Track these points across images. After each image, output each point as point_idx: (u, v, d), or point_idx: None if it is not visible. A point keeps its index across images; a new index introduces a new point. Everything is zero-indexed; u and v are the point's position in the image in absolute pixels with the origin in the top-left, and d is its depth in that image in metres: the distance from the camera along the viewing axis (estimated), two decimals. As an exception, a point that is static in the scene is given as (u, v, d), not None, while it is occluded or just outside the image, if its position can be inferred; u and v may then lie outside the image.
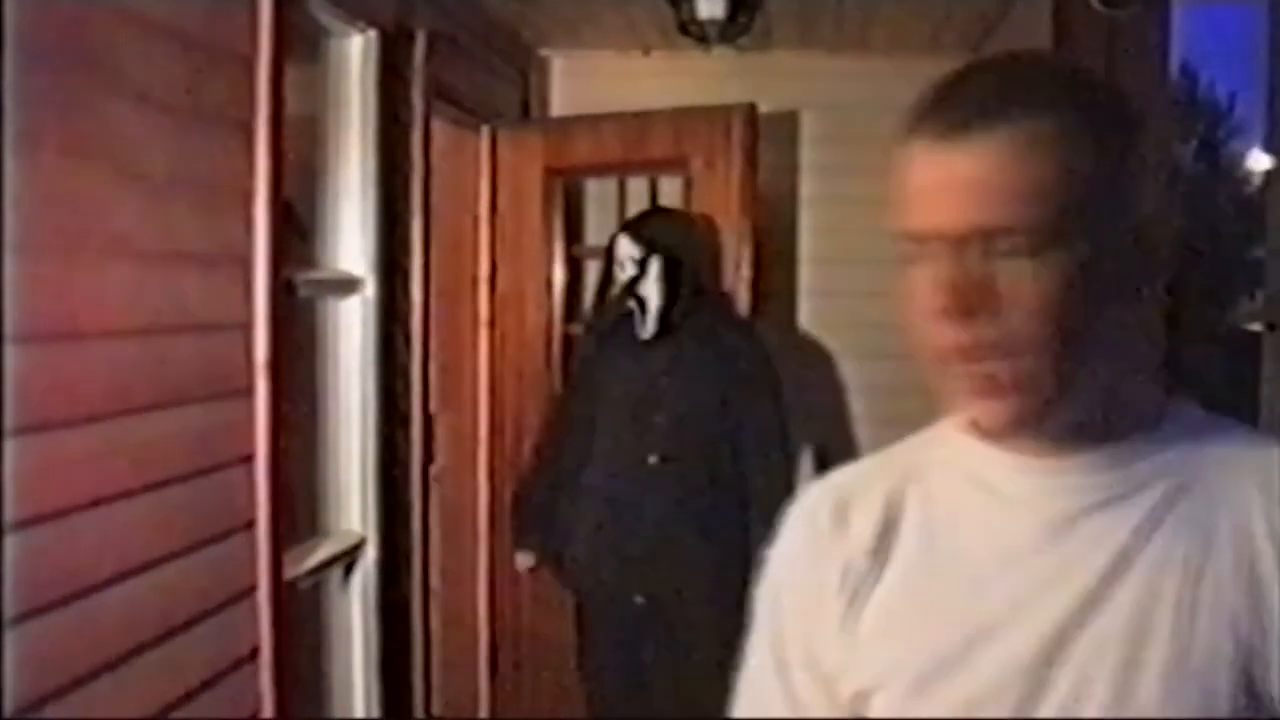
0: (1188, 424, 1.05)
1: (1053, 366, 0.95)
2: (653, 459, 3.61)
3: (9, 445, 1.67)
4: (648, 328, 3.72)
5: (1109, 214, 0.97)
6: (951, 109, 0.96)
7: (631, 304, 3.74)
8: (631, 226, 3.84)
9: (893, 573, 1.08)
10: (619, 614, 3.65)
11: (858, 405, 4.97)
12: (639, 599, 3.61)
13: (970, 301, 0.94)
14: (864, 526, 1.10)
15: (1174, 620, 0.98)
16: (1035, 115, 0.95)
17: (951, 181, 0.95)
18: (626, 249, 3.72)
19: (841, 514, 1.12)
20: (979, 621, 1.02)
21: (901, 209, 0.98)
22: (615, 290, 3.78)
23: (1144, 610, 0.98)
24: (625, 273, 3.71)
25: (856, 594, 1.09)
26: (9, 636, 1.67)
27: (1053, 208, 0.94)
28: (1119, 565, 0.99)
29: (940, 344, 0.97)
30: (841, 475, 1.18)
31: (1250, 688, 0.96)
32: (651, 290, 3.70)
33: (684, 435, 3.62)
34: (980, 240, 0.94)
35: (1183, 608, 0.98)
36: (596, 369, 3.84)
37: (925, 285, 0.96)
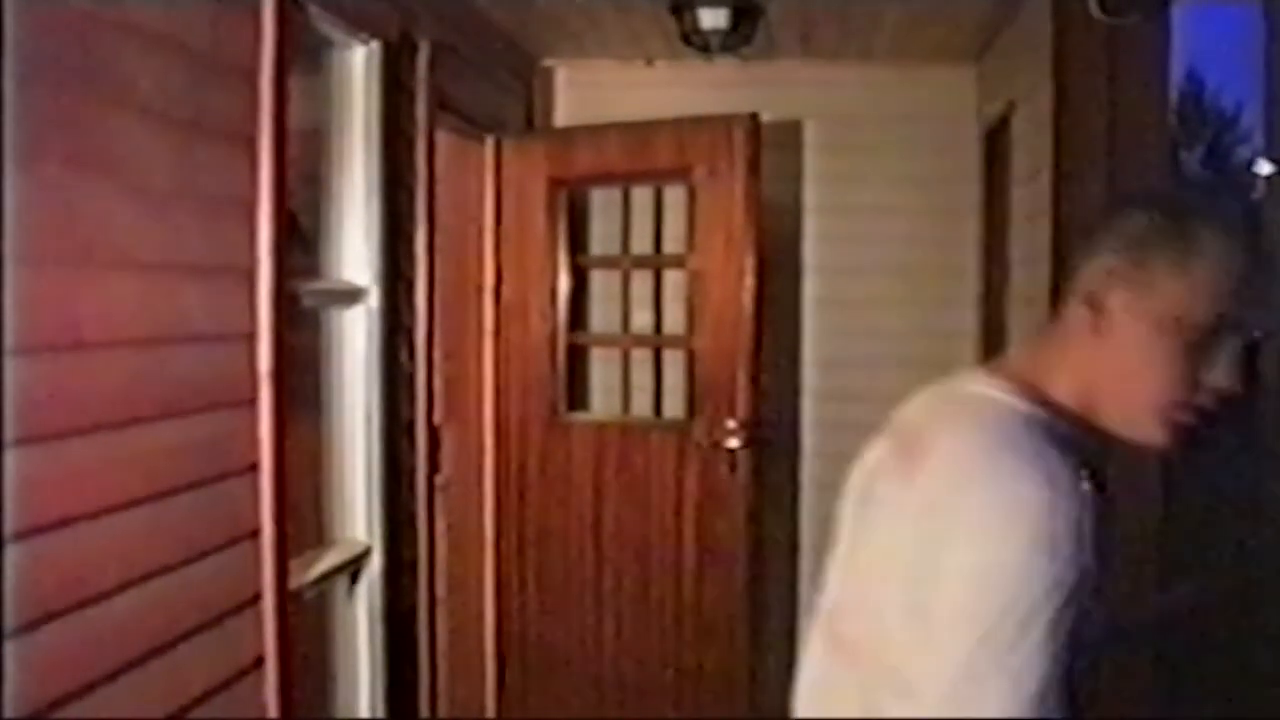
0: None
1: None
2: None
3: (13, 455, 1.68)
4: None
5: None
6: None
7: None
8: None
9: None
10: None
11: (860, 413, 4.97)
12: None
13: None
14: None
15: None
16: None
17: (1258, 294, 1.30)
18: None
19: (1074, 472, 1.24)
20: None
21: (1208, 300, 1.28)
22: None
23: None
24: None
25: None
26: (13, 645, 1.68)
27: None
28: None
29: (1193, 403, 1.29)
30: (1036, 435, 1.27)
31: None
32: None
33: None
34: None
35: None
36: None
37: (1218, 364, 1.29)
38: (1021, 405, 1.30)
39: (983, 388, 1.34)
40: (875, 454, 1.44)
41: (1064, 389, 1.33)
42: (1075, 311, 1.34)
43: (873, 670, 1.29)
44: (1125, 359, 1.30)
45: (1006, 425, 1.27)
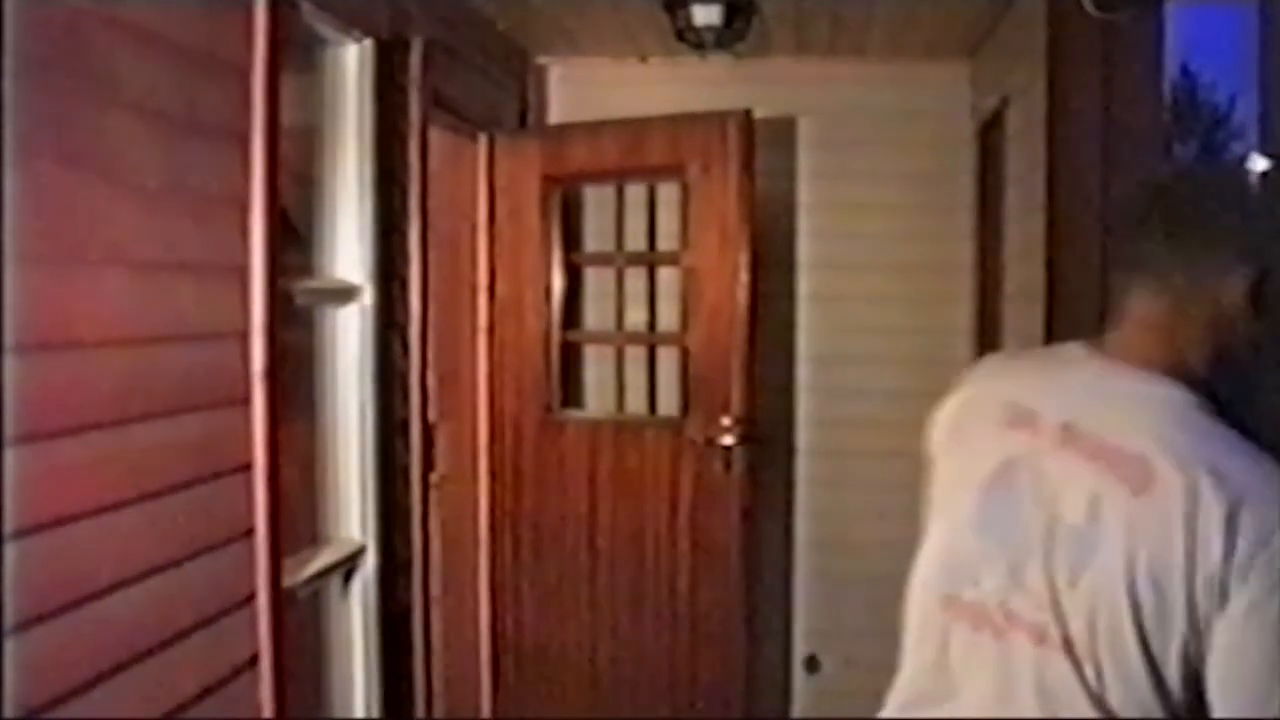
0: None
1: None
2: None
3: (6, 454, 1.67)
4: None
5: None
6: None
7: None
8: None
9: None
10: None
11: (855, 409, 4.98)
12: None
13: None
14: None
15: None
16: None
17: None
18: None
19: None
20: None
21: None
22: None
23: None
24: None
25: None
26: (8, 645, 1.68)
27: None
28: None
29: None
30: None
31: None
32: None
33: None
34: None
35: None
36: None
37: None
38: (1195, 399, 1.38)
39: (1152, 386, 1.40)
40: (1029, 446, 1.44)
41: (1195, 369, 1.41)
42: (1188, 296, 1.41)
43: (1104, 668, 1.34)
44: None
45: (1210, 427, 1.36)
